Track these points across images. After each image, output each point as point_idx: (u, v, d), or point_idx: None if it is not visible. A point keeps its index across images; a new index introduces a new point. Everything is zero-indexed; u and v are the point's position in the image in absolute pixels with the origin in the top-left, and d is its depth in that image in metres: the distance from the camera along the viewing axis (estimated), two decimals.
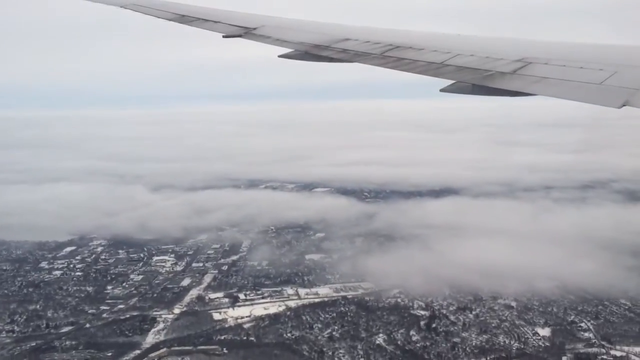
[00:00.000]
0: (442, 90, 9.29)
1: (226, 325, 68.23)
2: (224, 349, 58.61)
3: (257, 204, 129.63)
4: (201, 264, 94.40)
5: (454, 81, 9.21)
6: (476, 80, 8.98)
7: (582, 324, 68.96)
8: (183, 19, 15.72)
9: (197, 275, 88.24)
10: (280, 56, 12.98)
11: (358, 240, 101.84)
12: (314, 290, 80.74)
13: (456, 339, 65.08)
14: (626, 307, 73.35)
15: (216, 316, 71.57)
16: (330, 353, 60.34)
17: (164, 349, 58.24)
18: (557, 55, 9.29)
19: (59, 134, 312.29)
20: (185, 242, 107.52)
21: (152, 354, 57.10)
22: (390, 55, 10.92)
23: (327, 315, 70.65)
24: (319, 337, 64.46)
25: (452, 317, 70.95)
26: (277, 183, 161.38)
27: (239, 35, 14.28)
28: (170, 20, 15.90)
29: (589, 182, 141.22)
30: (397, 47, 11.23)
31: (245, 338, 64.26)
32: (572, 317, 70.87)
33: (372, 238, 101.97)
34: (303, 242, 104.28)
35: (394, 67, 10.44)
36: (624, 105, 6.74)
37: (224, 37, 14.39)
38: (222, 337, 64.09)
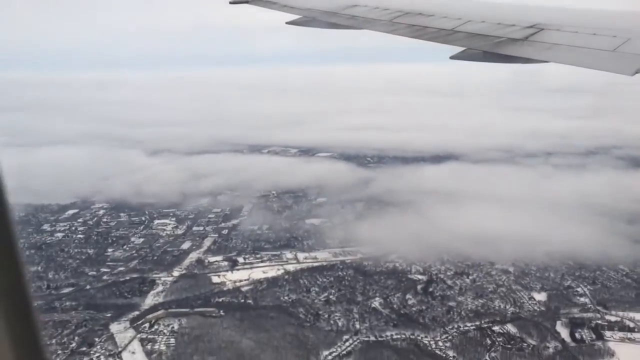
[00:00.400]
0: (452, 57, 9.25)
1: (224, 289, 68.85)
2: (221, 311, 59.19)
3: (257, 168, 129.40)
4: (202, 228, 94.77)
5: (464, 48, 9.12)
6: (487, 47, 8.87)
7: (579, 289, 69.23)
8: None
9: (198, 238, 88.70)
10: (287, 23, 12.96)
11: (356, 205, 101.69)
12: (312, 254, 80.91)
13: (452, 303, 65.54)
14: (624, 273, 73.41)
15: (215, 279, 72.21)
16: (326, 316, 60.89)
17: (162, 311, 59.00)
18: (570, 22, 9.14)
19: (60, 96, 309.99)
20: (186, 206, 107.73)
21: (150, 315, 57.83)
22: (400, 22, 10.80)
23: (324, 280, 71.14)
24: (316, 301, 65.04)
25: (449, 282, 71.34)
26: (279, 148, 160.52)
27: (246, 1, 14.31)
28: None
29: (592, 149, 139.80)
30: (407, 14, 11.10)
31: (242, 301, 64.90)
32: (569, 282, 71.06)
33: (370, 203, 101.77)
34: (303, 206, 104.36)
35: (404, 34, 10.33)
36: (637, 73, 6.65)
37: (230, 3, 14.44)
38: (220, 300, 64.73)
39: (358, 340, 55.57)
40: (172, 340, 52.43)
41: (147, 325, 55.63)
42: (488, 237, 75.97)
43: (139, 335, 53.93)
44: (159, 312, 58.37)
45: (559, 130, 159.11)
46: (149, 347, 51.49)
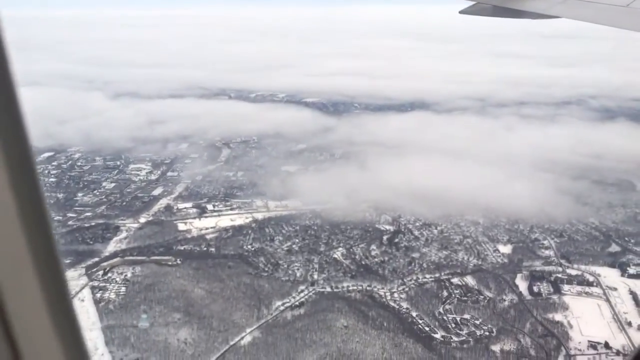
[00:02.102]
0: (461, 12, 9.12)
1: (189, 236, 68.55)
2: (178, 259, 59.01)
3: (213, 115, 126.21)
4: (176, 174, 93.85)
5: (474, 2, 8.96)
6: (497, 1, 8.61)
7: (545, 242, 68.70)
8: None
9: (170, 184, 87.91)
10: None
11: (313, 156, 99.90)
12: (284, 202, 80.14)
13: (415, 255, 65.27)
14: (593, 226, 72.82)
15: (181, 226, 71.82)
16: (285, 266, 60.75)
17: (117, 259, 58.84)
18: None
19: (41, 35, 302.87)
20: (164, 150, 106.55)
21: (105, 263, 57.67)
22: None
23: (290, 228, 70.69)
24: (278, 250, 64.78)
25: (416, 232, 70.86)
26: (248, 93, 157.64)
27: None
28: None
29: (568, 98, 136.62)
30: None
31: (205, 249, 64.67)
32: (537, 234, 70.49)
33: (322, 153, 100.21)
34: (276, 154, 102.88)
35: None
36: None
37: None
38: (182, 248, 64.57)
39: (313, 291, 55.49)
40: (123, 289, 52.41)
41: (100, 273, 55.45)
42: (431, 191, 74.80)
43: (90, 283, 53.91)
44: (115, 260, 58.24)
45: (543, 78, 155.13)
46: (98, 295, 51.51)
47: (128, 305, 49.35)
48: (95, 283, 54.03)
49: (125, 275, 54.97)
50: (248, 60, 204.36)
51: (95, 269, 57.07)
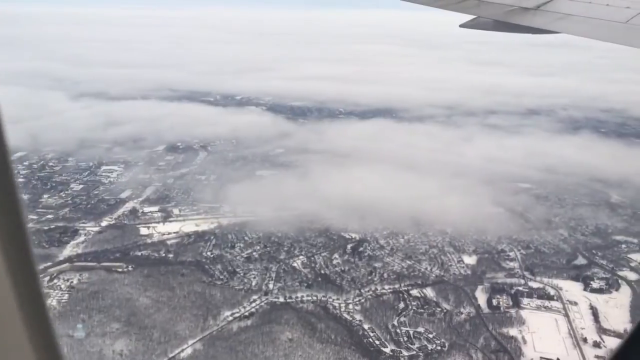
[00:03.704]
0: (461, 25, 9.27)
1: (149, 241, 67.40)
2: (130, 266, 57.78)
3: (170, 118, 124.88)
4: (148, 176, 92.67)
5: (474, 16, 8.95)
6: (498, 15, 8.67)
7: (511, 253, 67.51)
8: None
9: (140, 187, 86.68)
10: None
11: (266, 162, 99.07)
12: (252, 208, 78.79)
13: (377, 264, 64.10)
14: (562, 238, 71.74)
15: (143, 231, 70.66)
16: (241, 274, 59.56)
17: (66, 264, 57.56)
18: None
19: (25, 32, 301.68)
20: (141, 151, 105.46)
21: (53, 269, 56.40)
22: None
23: (253, 235, 69.49)
24: (237, 257, 63.60)
25: (382, 241, 69.66)
26: (216, 96, 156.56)
27: None
28: None
29: (538, 108, 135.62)
30: None
31: (162, 255, 63.47)
32: (504, 245, 69.34)
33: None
34: (243, 158, 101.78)
35: (414, 0, 10.23)
36: None
37: None
38: (139, 253, 63.37)
39: (265, 301, 54.30)
40: (66, 296, 51.16)
41: (47, 279, 54.19)
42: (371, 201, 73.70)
43: None
44: (64, 266, 56.96)
45: (518, 87, 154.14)
46: None
47: (67, 314, 48.06)
48: None
49: (71, 282, 53.74)
50: (226, 62, 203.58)
51: (42, 275, 55.71)
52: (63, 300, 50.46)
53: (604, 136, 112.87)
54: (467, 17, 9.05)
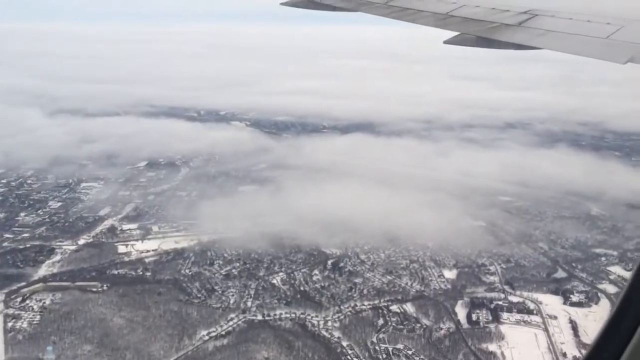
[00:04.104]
0: (445, 42, 9.30)
1: (126, 259, 66.48)
2: (105, 285, 56.78)
3: (153, 134, 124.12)
4: (128, 193, 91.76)
5: (458, 33, 9.13)
6: (481, 32, 8.88)
7: (492, 267, 67.48)
8: None
9: (119, 204, 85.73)
10: (282, 4, 12.91)
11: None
12: (233, 224, 77.98)
13: (358, 280, 63.70)
14: (542, 251, 71.94)
15: (121, 249, 69.72)
16: (219, 292, 58.82)
17: (40, 284, 56.44)
18: (564, 8, 9.17)
19: (3, 49, 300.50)
20: (122, 168, 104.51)
21: (26, 289, 55.24)
22: (394, 5, 10.84)
23: (233, 252, 68.81)
24: (216, 275, 62.88)
25: (362, 256, 69.32)
26: (200, 112, 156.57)
27: None
28: None
29: (515, 122, 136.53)
30: None
31: (140, 273, 62.57)
32: (484, 259, 69.32)
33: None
34: (227, 175, 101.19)
35: (398, 17, 10.39)
36: (628, 62, 6.57)
37: None
38: (116, 272, 62.42)
39: (243, 319, 53.58)
40: (38, 317, 50.06)
41: (19, 299, 53.04)
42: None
43: (5, 311, 51.42)
44: (37, 286, 55.83)
45: (498, 101, 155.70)
46: (10, 324, 49.09)
47: (38, 336, 46.98)
48: (11, 311, 51.54)
49: (44, 303, 52.60)
50: (208, 78, 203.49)
51: (14, 295, 54.59)
52: (34, 322, 49.33)
53: (581, 149, 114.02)
54: (452, 34, 9.19)
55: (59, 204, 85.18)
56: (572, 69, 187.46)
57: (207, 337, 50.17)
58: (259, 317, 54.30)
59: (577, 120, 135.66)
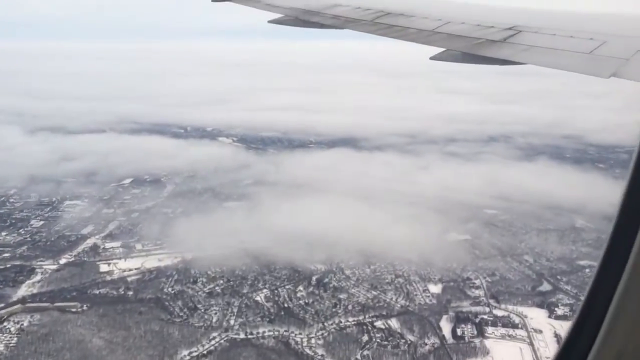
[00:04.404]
0: (432, 58, 9.42)
1: (108, 279, 65.57)
2: (85, 305, 55.85)
3: (139, 151, 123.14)
4: (112, 210, 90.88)
5: (444, 49, 9.27)
6: (466, 48, 9.03)
7: (477, 281, 67.33)
8: None
9: (103, 222, 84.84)
10: (270, 22, 12.99)
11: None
12: (216, 240, 77.24)
13: (342, 295, 63.23)
14: (527, 264, 71.95)
15: (103, 268, 68.82)
16: (202, 310, 58.08)
17: (18, 306, 55.39)
18: (548, 24, 9.35)
19: None
20: (106, 185, 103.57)
21: (3, 311, 54.19)
22: (381, 22, 10.97)
23: (217, 269, 68.14)
24: (199, 293, 62.17)
25: (347, 272, 68.93)
26: (183, 129, 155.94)
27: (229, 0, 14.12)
28: None
29: (498, 135, 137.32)
30: (388, 14, 11.26)
31: (121, 293, 61.70)
32: (469, 273, 69.18)
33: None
34: (212, 191, 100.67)
35: (385, 34, 10.55)
36: (612, 76, 6.71)
37: (213, 0, 14.39)
38: (97, 292, 61.47)
39: (225, 338, 52.85)
40: (15, 339, 49.03)
41: None
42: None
43: None
44: (15, 307, 54.78)
45: (482, 114, 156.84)
46: None
47: (15, 359, 45.96)
48: None
49: (22, 325, 51.57)
50: (193, 94, 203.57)
51: None
52: (11, 345, 48.29)
53: (565, 162, 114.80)
54: (438, 50, 9.34)
55: (41, 222, 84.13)
56: (556, 83, 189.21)
57: (188, 357, 49.33)
58: (242, 336, 53.55)
59: (560, 133, 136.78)
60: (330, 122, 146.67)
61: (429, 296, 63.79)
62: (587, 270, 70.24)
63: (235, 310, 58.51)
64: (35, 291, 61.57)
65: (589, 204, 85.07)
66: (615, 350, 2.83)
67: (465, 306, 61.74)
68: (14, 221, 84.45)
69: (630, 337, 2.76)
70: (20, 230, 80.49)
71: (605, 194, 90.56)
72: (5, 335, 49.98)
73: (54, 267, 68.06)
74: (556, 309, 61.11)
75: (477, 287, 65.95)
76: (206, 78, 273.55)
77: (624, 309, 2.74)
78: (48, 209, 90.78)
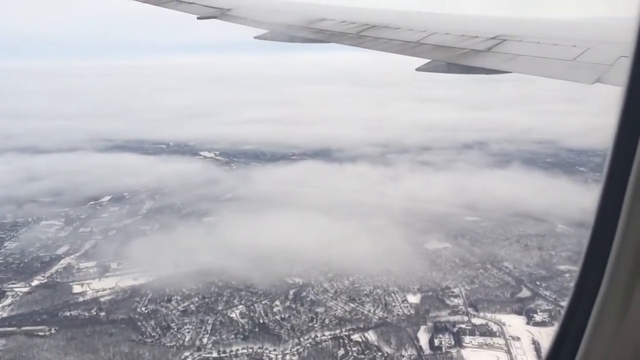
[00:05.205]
0: (417, 69, 9.57)
1: (81, 299, 64.30)
2: (53, 329, 54.54)
3: (114, 168, 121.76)
4: (89, 229, 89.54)
5: (429, 60, 9.36)
6: (451, 58, 9.11)
7: (456, 290, 66.67)
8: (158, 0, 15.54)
9: (79, 241, 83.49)
10: (256, 37, 13.07)
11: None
12: (195, 257, 76.26)
13: (320, 309, 62.36)
14: (507, 271, 71.48)
15: (76, 289, 67.49)
16: (175, 329, 56.92)
17: None
18: (531, 33, 9.41)
19: None
20: (84, 204, 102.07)
21: None
22: (367, 35, 11.05)
23: (193, 286, 67.03)
24: (173, 311, 61.04)
25: (325, 284, 68.10)
26: (165, 144, 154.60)
27: (214, 17, 13.95)
28: (144, 2, 15.69)
29: (473, 142, 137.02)
30: (373, 27, 11.33)
31: (93, 314, 60.40)
32: (448, 282, 68.56)
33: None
34: (189, 208, 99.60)
35: (370, 46, 10.62)
36: (596, 82, 6.77)
37: (198, 18, 14.16)
38: (68, 314, 60.14)
39: (198, 358, 51.73)
40: None
41: None
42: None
43: None
44: None
45: (458, 121, 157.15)
46: None
47: None
48: None
49: None
50: (177, 109, 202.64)
51: None
52: None
53: (540, 167, 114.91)
54: (424, 61, 9.40)
55: (15, 244, 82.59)
56: (539, 89, 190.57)
57: None
58: (214, 355, 52.50)
59: (537, 138, 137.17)
60: (313, 133, 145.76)
61: (407, 307, 63.01)
62: (567, 274, 69.82)
63: (209, 328, 57.41)
64: (5, 315, 60.16)
65: (570, 208, 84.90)
66: (604, 348, 2.82)
67: (444, 316, 61.02)
68: None
69: (616, 336, 2.73)
70: None
71: (586, 197, 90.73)
72: None
73: (26, 289, 66.56)
74: (535, 315, 60.59)
75: (456, 296, 65.27)
76: (189, 92, 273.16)
77: (607, 309, 2.73)
78: (23, 230, 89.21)
